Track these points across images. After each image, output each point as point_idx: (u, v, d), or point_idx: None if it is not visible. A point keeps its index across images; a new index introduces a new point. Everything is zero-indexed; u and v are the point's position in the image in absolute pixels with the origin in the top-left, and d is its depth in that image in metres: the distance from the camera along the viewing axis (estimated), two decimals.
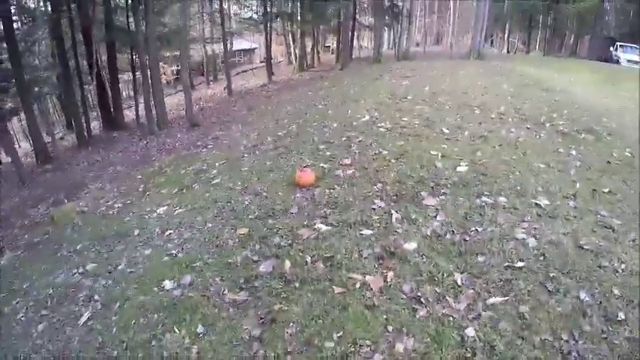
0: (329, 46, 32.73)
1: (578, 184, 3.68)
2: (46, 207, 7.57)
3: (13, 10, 12.14)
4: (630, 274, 2.46)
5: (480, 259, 2.49)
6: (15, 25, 12.19)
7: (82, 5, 13.04)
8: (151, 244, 3.54)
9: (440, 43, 36.80)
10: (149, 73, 11.95)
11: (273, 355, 1.94)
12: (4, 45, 11.26)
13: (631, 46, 18.85)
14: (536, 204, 3.23)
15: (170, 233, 3.63)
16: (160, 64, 15.97)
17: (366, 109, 6.62)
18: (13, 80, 11.53)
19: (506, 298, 2.18)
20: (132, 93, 17.41)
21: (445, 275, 2.34)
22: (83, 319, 2.71)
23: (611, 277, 2.43)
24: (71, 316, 2.80)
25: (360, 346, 1.91)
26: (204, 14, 22.28)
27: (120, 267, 3.28)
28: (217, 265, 2.78)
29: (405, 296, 2.20)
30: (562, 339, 1.97)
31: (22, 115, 14.58)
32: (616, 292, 2.29)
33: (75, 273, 3.48)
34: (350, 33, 19.34)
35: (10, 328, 3.00)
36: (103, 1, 13.81)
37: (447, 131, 5.11)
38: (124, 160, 9.32)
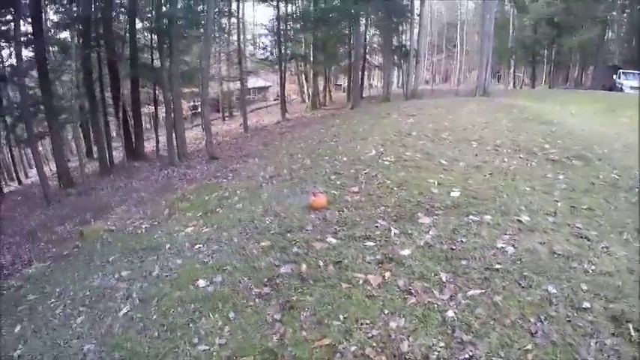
0: (340, 85, 34.29)
1: (559, 204, 4.13)
2: (73, 225, 8.19)
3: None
4: (600, 273, 2.85)
5: (464, 262, 2.97)
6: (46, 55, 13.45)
7: (110, 42, 14.39)
8: (182, 255, 4.09)
9: (448, 80, 38.16)
10: (172, 107, 13.01)
11: (291, 330, 2.44)
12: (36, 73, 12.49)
13: (633, 73, 19.02)
14: (518, 220, 3.70)
15: (199, 247, 4.19)
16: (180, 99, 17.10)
17: (373, 145, 7.27)
18: (42, 107, 12.65)
19: (483, 290, 2.64)
20: (149, 126, 18.60)
21: (433, 274, 2.83)
22: (123, 311, 3.19)
23: (580, 275, 2.83)
24: (110, 310, 3.27)
25: (361, 324, 2.40)
26: (222, 54, 23.91)
27: (154, 273, 3.79)
28: (244, 268, 3.32)
29: (398, 289, 2.70)
30: (530, 321, 2.38)
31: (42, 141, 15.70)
32: (584, 287, 2.68)
33: (110, 278, 4.00)
34: (360, 73, 20.54)
35: (47, 322, 3.49)
36: (129, 39, 15.20)
37: (445, 163, 5.69)
38: (147, 188, 10.05)
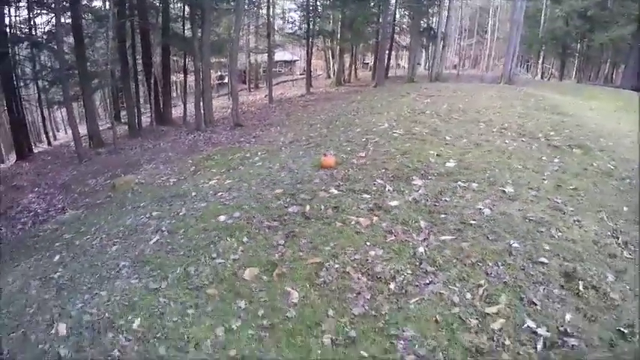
0: (367, 63, 34.11)
1: (546, 181, 4.47)
2: (104, 179, 8.91)
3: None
4: (564, 239, 3.20)
5: (442, 216, 3.48)
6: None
7: (144, 12, 15.00)
8: (206, 200, 4.74)
9: (477, 66, 37.33)
10: (201, 76, 13.67)
11: (291, 251, 3.06)
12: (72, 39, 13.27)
13: None
14: (502, 190, 4.11)
15: (221, 194, 4.83)
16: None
17: (387, 119, 7.70)
18: (76, 71, 13.49)
19: (454, 237, 3.14)
20: (178, 93, 19.34)
21: (413, 221, 3.36)
22: (153, 240, 3.81)
23: (545, 238, 3.19)
24: (142, 240, 3.86)
25: (347, 251, 2.98)
26: (251, 26, 24.22)
27: (181, 213, 4.43)
28: (259, 208, 3.94)
29: (382, 229, 3.25)
30: (488, 264, 2.83)
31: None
32: (545, 247, 3.06)
33: (142, 217, 4.65)
34: (386, 53, 20.57)
35: (84, 251, 4.15)
36: (162, 10, 15.75)
37: (448, 138, 6.09)
38: (175, 149, 10.81)
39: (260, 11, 20.86)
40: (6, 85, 13.90)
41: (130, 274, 3.21)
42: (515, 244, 3.07)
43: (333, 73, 23.37)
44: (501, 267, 2.81)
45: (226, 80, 20.95)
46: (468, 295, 2.49)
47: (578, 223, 3.54)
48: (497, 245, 3.06)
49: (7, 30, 13.70)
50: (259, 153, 7.16)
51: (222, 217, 3.90)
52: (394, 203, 3.69)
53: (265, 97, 19.82)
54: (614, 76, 24.62)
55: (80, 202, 7.67)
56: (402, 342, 2.09)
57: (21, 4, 14.46)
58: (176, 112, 18.10)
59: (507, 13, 23.97)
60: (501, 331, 2.23)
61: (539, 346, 2.17)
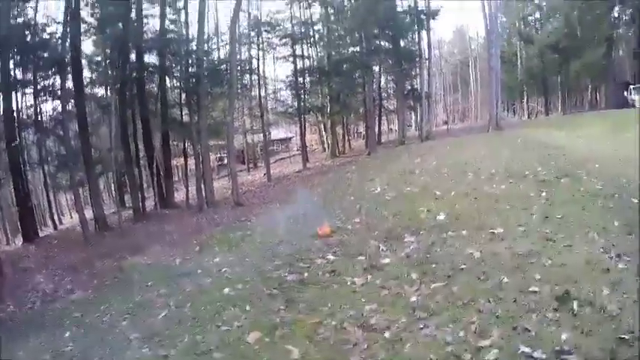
0: (361, 132, 35.67)
1: (534, 216, 4.63)
2: (112, 261, 8.96)
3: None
4: (555, 265, 3.30)
5: (434, 265, 3.64)
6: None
7: (143, 100, 16.29)
8: (211, 276, 4.93)
9: (466, 118, 38.82)
10: (201, 159, 14.43)
11: (291, 315, 3.22)
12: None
13: None
14: (491, 232, 4.29)
15: (225, 269, 5.02)
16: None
17: (379, 184, 8.11)
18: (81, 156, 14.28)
19: (445, 283, 3.27)
20: (180, 176, 20.13)
21: (406, 275, 3.52)
22: (162, 314, 3.96)
23: (536, 268, 3.30)
24: (151, 315, 4.01)
25: (343, 308, 3.13)
26: (245, 108, 25.93)
27: (188, 289, 4.58)
28: (260, 279, 4.15)
29: (376, 286, 3.41)
30: (480, 302, 2.92)
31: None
32: (536, 276, 3.16)
33: (150, 295, 4.80)
34: (375, 119, 21.77)
35: (95, 327, 4.28)
36: (161, 97, 17.08)
37: (438, 193, 6.39)
38: (179, 231, 11.08)
39: (253, 93, 22.51)
40: (14, 169, 14.61)
41: (140, 345, 3.36)
42: (505, 279, 3.19)
43: (327, 147, 24.48)
44: (492, 302, 2.91)
45: (226, 162, 22.02)
46: (461, 333, 2.57)
47: (568, 247, 3.65)
48: (487, 284, 3.19)
49: (15, 115, 14.79)
50: (259, 229, 7.43)
51: (226, 290, 4.09)
52: (386, 261, 3.88)
53: (264, 175, 20.58)
54: (597, 99, 25.37)
55: (88, 283, 7.78)
56: None
57: (27, 90, 15.79)
58: (179, 195, 18.74)
59: (485, 61, 25.80)
60: None
61: None
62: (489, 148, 10.59)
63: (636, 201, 4.48)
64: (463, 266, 3.56)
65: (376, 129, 22.58)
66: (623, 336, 2.30)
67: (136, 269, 7.26)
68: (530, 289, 3.00)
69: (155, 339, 3.40)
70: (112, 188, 17.25)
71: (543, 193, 5.54)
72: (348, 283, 3.55)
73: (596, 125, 13.40)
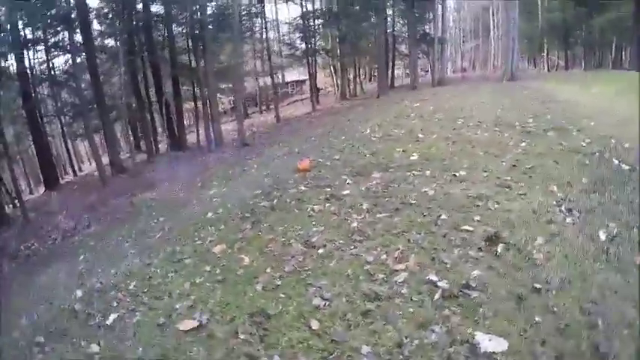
0: (375, 75, 34.78)
1: (503, 163, 4.74)
2: (125, 198, 10.09)
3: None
4: (500, 210, 3.44)
5: (386, 199, 4.01)
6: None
7: (152, 47, 16.48)
8: (203, 205, 5.58)
9: (486, 66, 37.19)
10: (209, 102, 14.84)
11: (252, 233, 3.76)
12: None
13: None
14: (454, 175, 4.51)
15: (216, 199, 5.64)
16: (218, 95, 18.97)
17: (370, 126, 8.32)
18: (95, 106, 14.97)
19: (389, 214, 3.65)
20: (192, 120, 20.72)
21: (358, 204, 3.93)
22: (157, 235, 4.72)
23: (479, 210, 3.47)
24: (149, 237, 4.79)
25: (295, 229, 3.63)
26: (254, 51, 25.48)
27: (180, 216, 5.29)
28: (238, 205, 4.72)
29: (329, 213, 3.86)
30: (412, 233, 3.24)
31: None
32: (476, 217, 3.35)
33: (151, 222, 5.62)
34: (385, 63, 21.21)
35: (104, 250, 5.19)
36: (169, 44, 17.18)
37: (420, 136, 6.60)
38: (186, 169, 11.83)
39: (260, 36, 22.08)
40: (31, 122, 15.52)
41: (133, 257, 4.06)
42: (444, 216, 3.44)
43: (337, 89, 24.22)
44: (423, 235, 3.19)
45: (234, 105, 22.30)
46: (383, 257, 2.96)
47: (522, 196, 3.74)
48: (426, 219, 3.48)
49: (29, 72, 15.41)
50: (255, 166, 7.92)
51: (209, 214, 4.68)
52: (346, 192, 4.28)
53: (275, 117, 20.84)
54: (622, 59, 23.89)
55: (104, 218, 8.79)
56: (313, 288, 2.64)
57: (38, 47, 16.24)
58: (191, 137, 19.41)
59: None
60: (402, 283, 2.60)
61: (437, 296, 2.43)
62: (492, 97, 10.48)
63: (616, 162, 4.38)
64: (413, 202, 3.86)
65: (389, 72, 22.05)
66: (537, 285, 2.37)
67: (145, 203, 8.19)
68: (463, 228, 3.18)
69: (146, 252, 4.11)
70: (128, 134, 17.95)
71: (523, 144, 5.55)
72: (308, 210, 4.01)
73: (613, 84, 12.65)
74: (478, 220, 3.33)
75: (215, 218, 4.45)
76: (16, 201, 13.05)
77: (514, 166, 4.66)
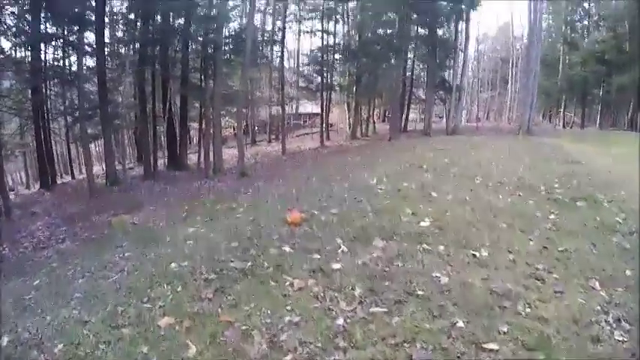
0: (388, 117, 34.57)
1: (531, 242, 3.98)
2: (107, 216, 9.60)
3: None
4: (533, 318, 2.64)
5: (386, 283, 3.14)
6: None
7: (165, 62, 16.25)
8: (173, 246, 4.72)
9: (500, 118, 36.97)
10: (212, 125, 14.35)
11: (211, 306, 2.94)
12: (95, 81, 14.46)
13: None
14: (473, 254, 3.68)
15: (190, 242, 4.74)
16: (227, 119, 18.58)
17: (378, 175, 7.53)
18: (98, 111, 14.53)
19: (387, 310, 2.77)
20: (196, 140, 20.33)
21: (349, 288, 3.06)
22: (112, 278, 3.86)
23: (506, 316, 2.66)
24: (104, 277, 3.95)
25: (263, 312, 2.78)
26: (267, 80, 25.36)
27: (148, 256, 4.42)
28: (207, 259, 3.85)
29: (311, 295, 2.98)
30: (415, 347, 2.37)
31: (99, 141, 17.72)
32: (502, 328, 2.52)
33: (116, 257, 4.78)
34: (400, 107, 20.83)
35: (59, 279, 4.43)
36: (182, 61, 16.96)
37: (434, 195, 5.78)
38: (178, 194, 11.21)
39: (274, 65, 21.99)
40: (36, 117, 15.13)
41: (75, 306, 3.30)
42: (461, 324, 2.58)
43: (349, 127, 23.79)
44: (430, 351, 2.35)
45: (235, 132, 21.93)
46: None
47: (558, 295, 2.97)
48: (437, 324, 2.61)
49: (42, 66, 15.19)
50: (245, 204, 7.12)
51: (173, 265, 3.83)
52: (337, 266, 3.42)
53: (281, 149, 20.32)
54: (638, 120, 23.43)
55: (79, 235, 8.36)
56: None
57: (54, 43, 16.12)
58: (194, 157, 18.96)
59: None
60: None
61: None
62: (510, 153, 9.77)
63: None
64: (420, 292, 3.00)
65: (403, 116, 21.65)
66: None
67: (122, 228, 7.54)
68: (487, 346, 2.37)
69: (90, 302, 3.34)
70: (129, 144, 17.60)
71: (551, 216, 4.84)
72: (286, 284, 3.16)
73: (632, 146, 12.17)
74: (505, 333, 2.49)
75: (177, 272, 3.61)
76: (11, 194, 12.51)
77: (545, 247, 3.87)
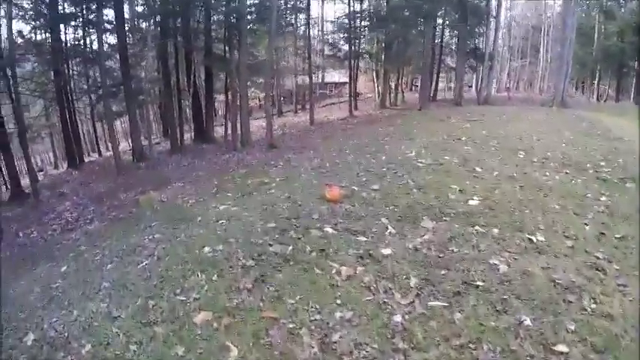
0: (417, 86, 33.27)
1: (587, 227, 3.68)
2: (134, 194, 9.50)
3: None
4: (598, 315, 2.42)
5: (443, 272, 2.89)
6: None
7: (187, 34, 15.81)
8: (206, 227, 4.55)
9: (531, 88, 34.97)
10: (238, 96, 14.02)
11: (252, 299, 2.75)
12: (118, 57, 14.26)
13: None
14: (529, 239, 3.40)
15: (222, 222, 4.59)
16: (253, 89, 18.16)
17: (416, 147, 7.13)
18: (121, 88, 14.45)
19: (447, 304, 2.54)
20: (222, 113, 20.11)
21: (403, 277, 2.83)
22: (142, 264, 3.74)
23: (573, 312, 2.45)
24: (133, 263, 3.85)
25: (311, 307, 2.58)
26: (293, 49, 24.54)
27: (178, 238, 4.30)
28: (243, 242, 3.66)
29: (362, 285, 2.76)
30: (482, 349, 2.17)
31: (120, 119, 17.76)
32: (570, 326, 2.31)
33: (145, 239, 4.65)
34: (430, 75, 19.85)
35: (87, 265, 4.35)
36: (205, 32, 16.46)
37: (479, 170, 5.40)
38: (207, 168, 11.09)
39: (300, 33, 21.17)
40: (59, 98, 15.24)
41: (103, 298, 3.19)
42: (528, 322, 2.36)
43: (378, 96, 22.96)
44: (498, 355, 2.14)
45: (263, 102, 21.50)
46: None
47: (621, 289, 2.71)
48: (502, 321, 2.38)
49: (63, 47, 15.11)
50: (278, 179, 6.89)
51: (206, 249, 3.67)
52: (387, 251, 3.18)
53: (309, 119, 19.87)
54: None
55: (107, 214, 8.23)
56: None
57: (73, 23, 15.96)
58: (220, 130, 18.77)
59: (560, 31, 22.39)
60: None
61: None
62: (549, 126, 9.11)
63: None
64: (479, 283, 2.76)
65: (432, 85, 20.68)
66: None
67: (150, 206, 7.38)
68: (555, 348, 2.15)
69: (120, 292, 3.19)
70: (154, 119, 17.58)
71: (603, 197, 4.46)
72: (333, 272, 2.95)
73: None
74: (573, 332, 2.26)
75: (211, 258, 3.42)
76: (40, 174, 12.80)
77: (602, 233, 3.55)
